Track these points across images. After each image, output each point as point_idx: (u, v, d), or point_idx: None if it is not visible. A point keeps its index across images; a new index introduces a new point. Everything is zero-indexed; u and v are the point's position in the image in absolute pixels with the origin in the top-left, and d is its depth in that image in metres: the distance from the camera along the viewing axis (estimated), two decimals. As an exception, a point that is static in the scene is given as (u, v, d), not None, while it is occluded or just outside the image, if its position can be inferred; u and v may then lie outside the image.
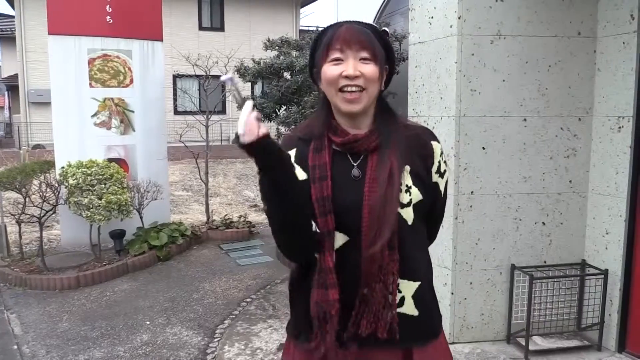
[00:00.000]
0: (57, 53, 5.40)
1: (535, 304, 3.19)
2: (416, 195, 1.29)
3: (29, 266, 5.10)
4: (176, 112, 15.21)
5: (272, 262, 5.39)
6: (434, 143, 1.37)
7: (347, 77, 1.24)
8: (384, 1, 5.19)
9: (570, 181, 3.25)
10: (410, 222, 1.29)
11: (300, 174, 1.28)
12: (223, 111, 15.97)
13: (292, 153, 1.33)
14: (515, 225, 3.23)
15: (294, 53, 5.14)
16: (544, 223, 3.26)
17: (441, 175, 1.38)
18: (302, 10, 19.29)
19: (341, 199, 1.26)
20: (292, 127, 4.72)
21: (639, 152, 2.96)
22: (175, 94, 15.90)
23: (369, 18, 5.33)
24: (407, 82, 3.57)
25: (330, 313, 1.24)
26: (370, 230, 1.23)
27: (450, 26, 3.07)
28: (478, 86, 3.08)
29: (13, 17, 17.36)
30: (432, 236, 1.51)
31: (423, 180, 1.32)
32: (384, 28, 1.39)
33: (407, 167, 1.29)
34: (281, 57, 5.03)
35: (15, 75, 17.45)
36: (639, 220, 3.00)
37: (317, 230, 1.26)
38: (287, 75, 5.12)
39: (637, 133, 2.96)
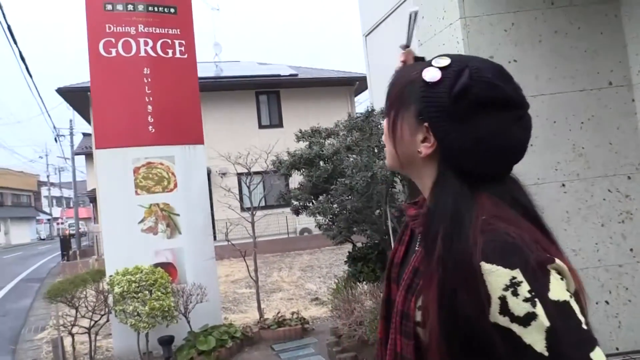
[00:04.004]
0: (103, 165, 5.66)
1: (612, 402, 2.65)
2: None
3: (80, 380, 5.04)
4: (242, 209, 15.60)
5: (324, 362, 5.01)
6: (485, 267, 0.80)
7: None
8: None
9: (631, 250, 2.79)
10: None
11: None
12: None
13: None
14: (571, 307, 2.77)
15: (327, 141, 5.08)
16: (607, 302, 2.78)
17: (513, 318, 0.79)
18: (356, 98, 19.78)
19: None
20: (320, 218, 4.55)
21: None
22: (241, 193, 16.39)
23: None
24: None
25: None
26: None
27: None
28: (502, 154, 2.79)
29: (94, 137, 18.97)
30: None
31: (455, 311, 0.83)
32: (435, 60, 0.94)
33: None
34: (314, 147, 4.98)
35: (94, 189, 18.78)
36: None
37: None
38: (321, 163, 5.03)
39: (701, 187, 2.53)
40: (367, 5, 6.42)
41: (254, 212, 6.25)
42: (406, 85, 0.94)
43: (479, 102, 0.88)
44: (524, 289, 0.79)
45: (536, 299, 0.79)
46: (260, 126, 18.28)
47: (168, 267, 5.69)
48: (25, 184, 53.02)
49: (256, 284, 6.35)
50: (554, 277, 0.81)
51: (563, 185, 2.80)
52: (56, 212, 53.22)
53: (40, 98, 28.62)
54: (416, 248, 0.97)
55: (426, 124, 0.91)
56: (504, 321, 0.80)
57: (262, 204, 11.27)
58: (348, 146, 4.39)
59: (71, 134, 25.25)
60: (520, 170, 2.72)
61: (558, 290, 0.80)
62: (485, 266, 0.80)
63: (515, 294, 0.79)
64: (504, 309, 0.80)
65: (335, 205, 4.47)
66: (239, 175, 15.73)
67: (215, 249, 6.87)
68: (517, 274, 0.80)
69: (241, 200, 16.89)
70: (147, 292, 5.07)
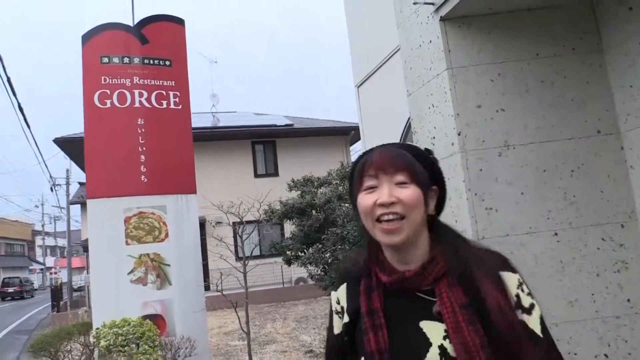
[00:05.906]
0: (94, 215, 5.60)
1: None
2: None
3: None
4: (237, 259, 15.36)
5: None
6: (504, 274, 1.12)
7: (382, 204, 1.09)
8: (406, 124, 5.12)
9: (628, 300, 2.72)
10: None
11: (337, 324, 1.23)
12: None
13: (342, 289, 1.25)
14: (569, 361, 2.67)
15: (319, 190, 5.05)
16: (606, 355, 2.68)
17: (525, 310, 1.09)
18: (352, 147, 19.93)
19: (402, 353, 1.08)
20: (312, 268, 4.47)
21: (703, 258, 2.46)
22: (236, 242, 16.21)
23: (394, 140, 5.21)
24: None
25: None
26: None
27: (452, 144, 2.86)
28: (493, 203, 2.76)
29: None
30: None
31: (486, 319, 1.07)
32: (426, 147, 1.25)
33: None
34: (306, 197, 4.94)
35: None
36: None
37: None
38: (314, 212, 4.98)
39: (695, 236, 2.48)
40: (359, 57, 6.55)
41: (247, 262, 6.15)
42: (417, 162, 1.15)
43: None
44: (525, 287, 1.12)
45: (531, 294, 1.12)
46: (256, 175, 18.34)
47: (157, 319, 5.53)
48: (20, 233, 52.58)
49: (247, 336, 6.17)
50: None
51: (556, 234, 2.75)
52: (50, 261, 52.51)
53: (38, 148, 28.76)
54: (444, 296, 1.09)
55: (434, 187, 1.18)
56: (519, 315, 1.08)
57: (257, 253, 11.16)
58: (340, 195, 4.36)
59: (67, 184, 25.23)
60: (513, 221, 2.67)
61: None
62: (504, 275, 1.12)
63: (525, 291, 1.11)
64: (518, 304, 1.09)
65: (327, 255, 4.39)
66: (234, 224, 15.67)
67: (209, 300, 6.71)
68: (520, 276, 1.13)
69: (236, 250, 16.76)
70: (134, 345, 4.90)
